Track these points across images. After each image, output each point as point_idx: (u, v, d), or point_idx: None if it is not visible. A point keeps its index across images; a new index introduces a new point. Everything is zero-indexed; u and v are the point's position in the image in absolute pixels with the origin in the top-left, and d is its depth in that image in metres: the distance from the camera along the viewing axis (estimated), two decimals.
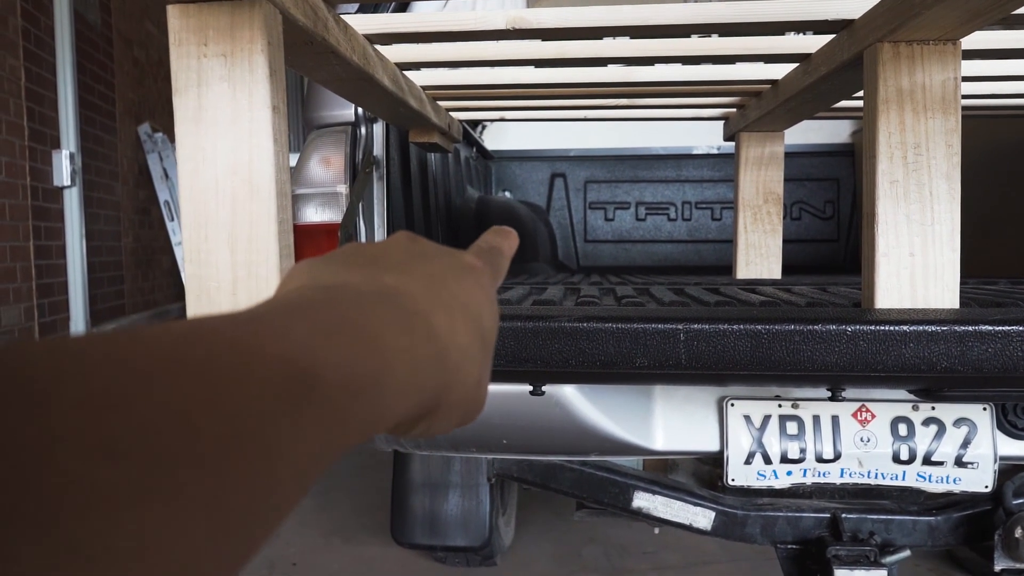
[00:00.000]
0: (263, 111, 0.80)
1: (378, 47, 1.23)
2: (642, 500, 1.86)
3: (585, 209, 3.78)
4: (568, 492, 1.93)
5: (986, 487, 1.67)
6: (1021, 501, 1.75)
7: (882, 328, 0.95)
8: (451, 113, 1.82)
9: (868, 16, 1.05)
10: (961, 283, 1.77)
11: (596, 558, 3.22)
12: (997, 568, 1.71)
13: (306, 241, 1.76)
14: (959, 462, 1.67)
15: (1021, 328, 0.93)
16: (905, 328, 0.95)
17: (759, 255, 1.78)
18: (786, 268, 2.71)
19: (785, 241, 3.54)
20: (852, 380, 1.05)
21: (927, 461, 1.67)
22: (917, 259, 1.02)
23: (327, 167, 1.78)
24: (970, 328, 0.94)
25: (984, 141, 2.31)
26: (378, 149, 1.78)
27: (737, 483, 1.73)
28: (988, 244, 2.35)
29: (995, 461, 1.66)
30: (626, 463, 1.93)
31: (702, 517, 1.84)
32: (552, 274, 3.02)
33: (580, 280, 2.06)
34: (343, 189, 1.78)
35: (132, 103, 5.46)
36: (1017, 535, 1.64)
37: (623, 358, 0.99)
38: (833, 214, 3.63)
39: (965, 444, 1.67)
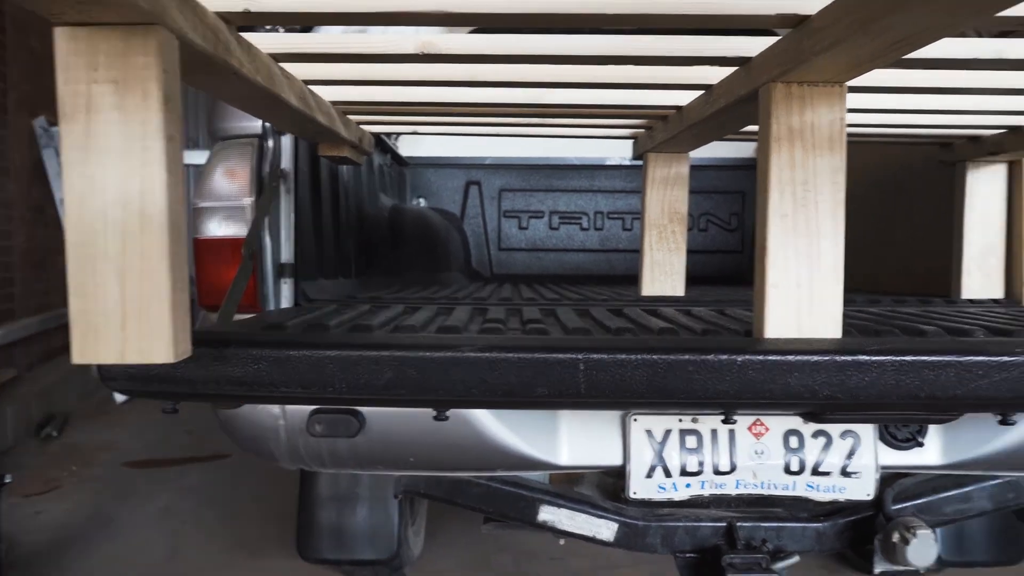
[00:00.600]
0: (157, 141, 0.78)
1: (286, 65, 1.21)
2: (547, 514, 1.89)
3: (499, 217, 3.81)
4: (475, 507, 1.94)
5: (868, 495, 1.76)
6: (900, 507, 1.86)
7: (769, 358, 1.00)
8: (363, 127, 1.80)
9: (763, 56, 1.10)
10: (847, 300, 1.87)
11: (505, 565, 3.24)
12: (876, 571, 1.81)
13: (209, 256, 1.71)
14: (844, 472, 1.76)
15: (895, 358, 0.99)
16: (791, 358, 1.00)
17: (664, 273, 1.84)
18: (694, 278, 2.79)
19: (693, 252, 3.66)
20: (743, 406, 1.10)
21: (816, 471, 1.76)
22: (804, 290, 1.08)
23: (232, 180, 1.74)
24: (849, 358, 0.99)
25: (869, 163, 2.45)
26: (286, 162, 1.74)
27: (639, 496, 1.78)
28: (874, 258, 2.49)
29: (877, 471, 1.76)
30: (532, 477, 1.95)
31: (605, 529, 1.88)
32: (465, 284, 3.03)
33: (490, 294, 2.07)
34: (248, 202, 1.74)
35: (27, 95, 5.18)
36: (895, 540, 1.74)
37: (524, 388, 1.00)
38: (738, 226, 3.76)
39: (850, 455, 1.76)
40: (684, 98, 1.47)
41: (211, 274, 1.73)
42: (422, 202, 3.75)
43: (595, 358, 1.00)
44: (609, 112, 1.61)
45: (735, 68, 1.21)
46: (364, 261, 2.69)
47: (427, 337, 1.07)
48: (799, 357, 0.99)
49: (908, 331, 1.16)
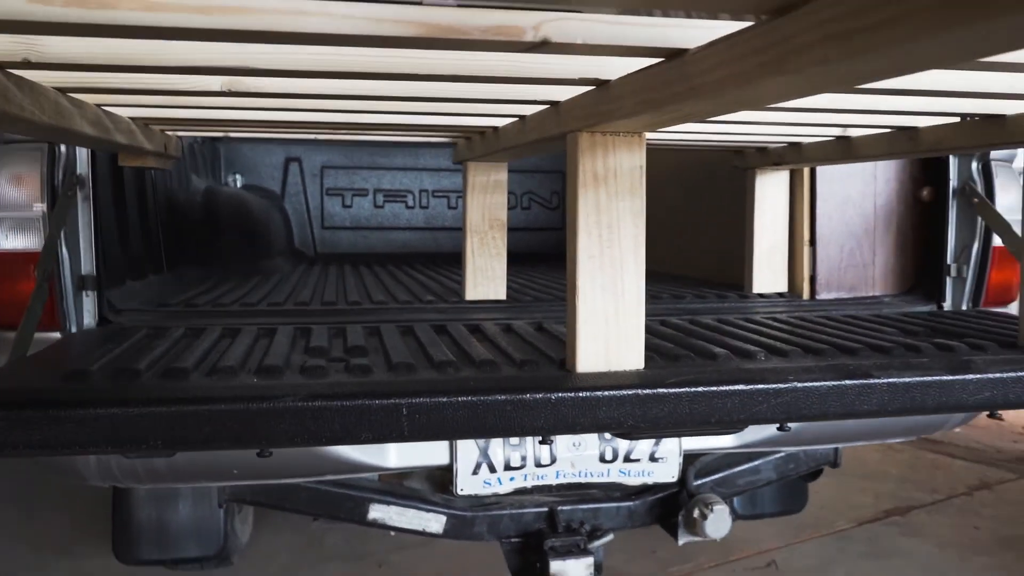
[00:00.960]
0: None
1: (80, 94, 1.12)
2: (377, 512, 1.93)
3: (322, 195, 3.71)
4: (304, 510, 1.95)
5: (673, 477, 1.94)
6: (700, 482, 2.06)
7: (580, 395, 1.08)
8: (169, 132, 1.70)
9: (571, 103, 1.16)
10: (655, 296, 2.01)
11: (337, 545, 3.26)
12: (680, 542, 2.00)
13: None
14: (652, 458, 1.92)
15: (688, 390, 1.10)
16: (599, 394, 1.08)
17: (486, 278, 1.89)
18: (518, 255, 2.86)
19: (517, 229, 3.75)
20: (557, 434, 1.17)
21: (627, 459, 1.90)
22: (611, 324, 1.16)
23: (18, 186, 1.59)
24: (650, 392, 1.09)
25: (682, 164, 2.63)
26: (82, 166, 1.61)
27: (466, 492, 1.86)
28: (683, 244, 2.69)
29: (680, 455, 1.93)
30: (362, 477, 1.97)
31: (434, 522, 1.95)
32: (288, 270, 2.95)
33: (312, 294, 2.04)
34: (39, 209, 1.60)
35: None
36: (695, 516, 1.93)
37: (348, 434, 1.02)
38: (559, 204, 3.89)
39: (657, 442, 1.92)
40: (500, 120, 1.51)
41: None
42: (239, 179, 3.58)
43: (417, 403, 1.03)
44: (425, 128, 1.62)
45: (547, 106, 1.26)
46: (177, 252, 2.55)
47: (247, 388, 1.05)
48: (606, 393, 1.08)
49: (702, 354, 1.28)
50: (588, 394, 1.07)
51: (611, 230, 1.14)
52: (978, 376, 1.18)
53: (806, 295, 2.09)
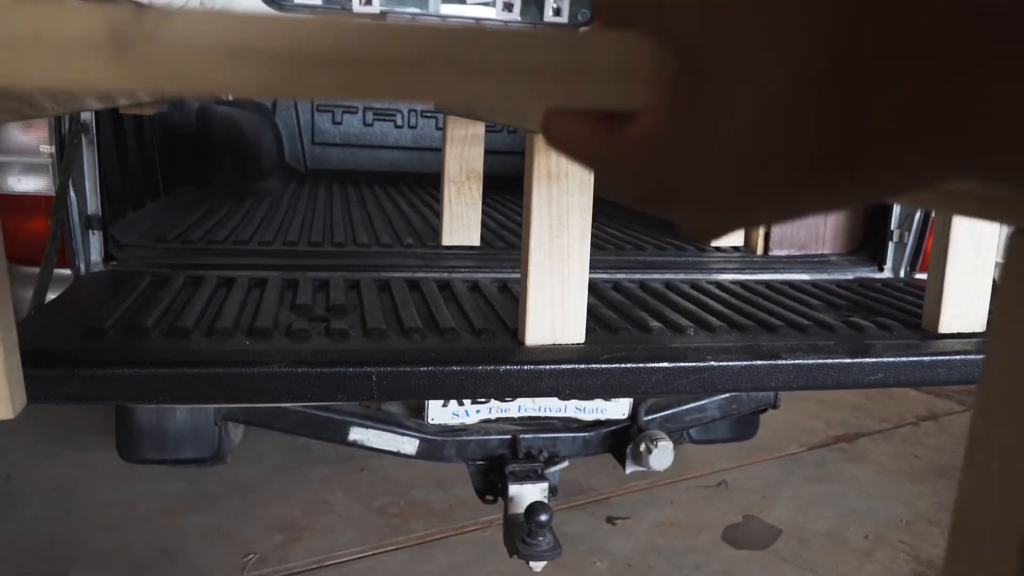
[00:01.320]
0: None
1: None
2: (357, 434, 2.15)
3: (313, 111, 3.80)
4: (291, 431, 2.16)
5: (624, 415, 2.15)
6: (650, 418, 2.28)
7: (525, 368, 1.26)
8: None
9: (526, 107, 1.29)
10: (620, 244, 2.18)
11: (323, 449, 3.53)
12: (627, 472, 2.23)
13: (13, 214, 1.71)
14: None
15: (619, 365, 1.29)
16: (541, 367, 1.26)
17: (462, 225, 2.04)
18: (499, 179, 2.97)
19: (490, 152, 3.85)
20: (506, 397, 1.36)
21: None
22: (556, 305, 1.33)
23: (27, 130, 1.71)
24: (584, 367, 1.28)
25: None
26: (85, 113, 1.73)
27: (436, 422, 2.08)
28: None
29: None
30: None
31: (408, 445, 2.17)
32: (278, 192, 3.08)
33: (299, 235, 2.19)
34: (47, 150, 1.73)
35: None
36: (642, 449, 2.15)
37: (327, 395, 1.21)
38: None
39: None
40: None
41: (11, 228, 1.73)
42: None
43: (385, 371, 1.22)
44: None
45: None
46: (173, 175, 2.68)
47: (241, 352, 1.23)
48: (548, 367, 1.26)
49: (640, 326, 1.45)
50: (532, 367, 1.26)
51: (561, 222, 1.30)
52: (874, 360, 1.36)
53: (760, 250, 2.26)
